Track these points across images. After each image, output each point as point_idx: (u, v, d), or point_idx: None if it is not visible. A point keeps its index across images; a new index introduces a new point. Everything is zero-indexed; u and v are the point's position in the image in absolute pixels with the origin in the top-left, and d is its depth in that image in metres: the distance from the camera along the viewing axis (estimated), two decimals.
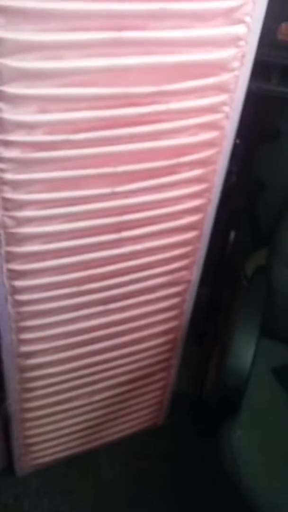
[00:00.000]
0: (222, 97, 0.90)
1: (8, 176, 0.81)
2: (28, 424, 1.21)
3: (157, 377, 1.33)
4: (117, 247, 1.02)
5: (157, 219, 1.03)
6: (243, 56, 0.86)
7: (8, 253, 0.90)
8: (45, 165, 0.83)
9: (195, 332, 1.37)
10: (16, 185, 0.83)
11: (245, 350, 1.01)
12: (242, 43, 0.85)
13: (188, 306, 1.24)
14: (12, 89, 0.72)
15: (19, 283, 0.95)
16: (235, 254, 1.46)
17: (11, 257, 0.91)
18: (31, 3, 0.67)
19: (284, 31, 0.99)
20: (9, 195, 0.83)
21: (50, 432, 1.26)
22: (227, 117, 0.93)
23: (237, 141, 1.03)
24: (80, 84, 0.77)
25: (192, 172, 0.99)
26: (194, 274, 1.18)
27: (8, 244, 0.89)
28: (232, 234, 1.39)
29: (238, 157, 1.17)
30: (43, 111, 0.77)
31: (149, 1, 0.74)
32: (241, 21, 0.83)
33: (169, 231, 1.06)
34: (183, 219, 1.06)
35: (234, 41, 0.84)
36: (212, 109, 0.91)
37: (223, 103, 0.91)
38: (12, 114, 0.75)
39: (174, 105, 0.87)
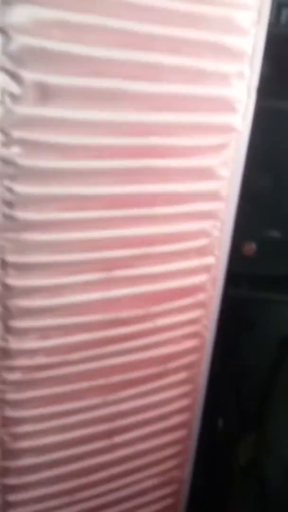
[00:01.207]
0: (200, 312, 1.03)
1: (9, 396, 0.87)
2: None
3: None
4: (109, 452, 1.04)
5: (147, 422, 1.07)
6: (214, 279, 1.02)
7: (3, 468, 0.92)
8: (43, 383, 0.90)
9: None
10: (15, 404, 0.89)
11: None
12: (212, 270, 1.01)
13: (182, 506, 1.21)
14: (18, 323, 0.84)
15: (11, 497, 0.95)
16: (226, 440, 1.45)
17: (5, 472, 0.93)
18: (37, 257, 0.82)
19: (247, 249, 1.18)
20: (9, 413, 0.88)
21: None
22: (206, 328, 1.05)
23: (215, 337, 1.14)
24: (78, 313, 0.89)
25: (179, 375, 1.07)
26: (186, 473, 1.18)
27: (3, 459, 0.92)
28: (221, 422, 1.41)
29: (221, 350, 1.26)
30: (44, 337, 0.88)
31: (134, 247, 0.90)
32: (211, 254, 1.00)
33: (160, 431, 1.09)
34: (173, 419, 1.11)
35: (206, 269, 1.00)
36: (193, 321, 1.04)
37: (202, 316, 1.04)
38: (18, 344, 0.85)
39: (160, 321, 0.99)
